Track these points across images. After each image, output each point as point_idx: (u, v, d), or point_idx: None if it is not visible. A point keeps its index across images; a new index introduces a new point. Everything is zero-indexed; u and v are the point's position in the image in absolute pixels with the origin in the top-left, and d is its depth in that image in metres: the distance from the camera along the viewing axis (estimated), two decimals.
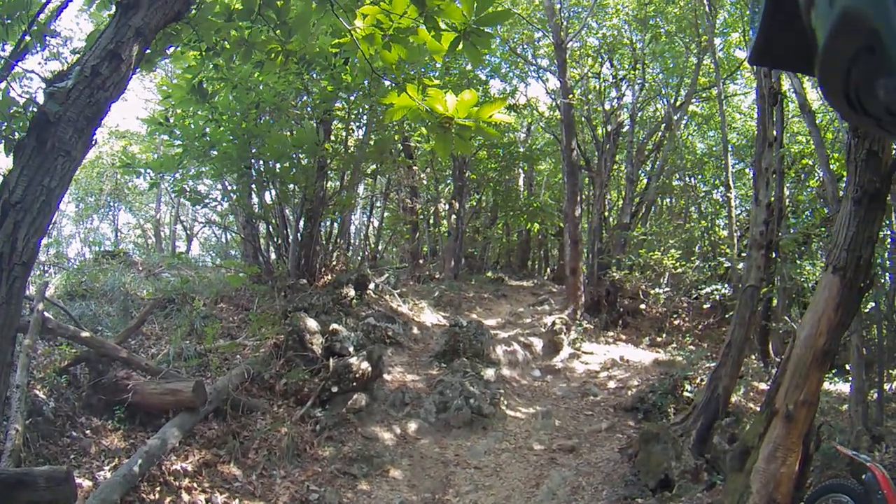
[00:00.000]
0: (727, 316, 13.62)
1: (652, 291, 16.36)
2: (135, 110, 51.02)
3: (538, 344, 13.33)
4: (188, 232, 25.71)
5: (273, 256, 13.75)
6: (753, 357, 11.87)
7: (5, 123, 4.76)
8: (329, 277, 13.02)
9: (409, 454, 8.86)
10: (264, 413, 8.81)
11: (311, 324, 9.89)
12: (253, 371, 9.28)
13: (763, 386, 11.14)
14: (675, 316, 15.78)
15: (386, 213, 19.71)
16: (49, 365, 8.51)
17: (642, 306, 16.40)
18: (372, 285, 13.27)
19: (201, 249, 24.56)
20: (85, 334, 8.70)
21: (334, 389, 9.23)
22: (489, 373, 11.07)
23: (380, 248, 19.73)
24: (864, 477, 5.56)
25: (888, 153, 6.07)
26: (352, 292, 12.07)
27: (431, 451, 9.01)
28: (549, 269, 24.51)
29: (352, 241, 16.53)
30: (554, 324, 13.65)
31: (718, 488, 7.16)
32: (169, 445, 7.30)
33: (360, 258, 17.18)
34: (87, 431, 7.53)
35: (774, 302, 12.93)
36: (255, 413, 8.76)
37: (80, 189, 21.64)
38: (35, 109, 4.54)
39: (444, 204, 20.49)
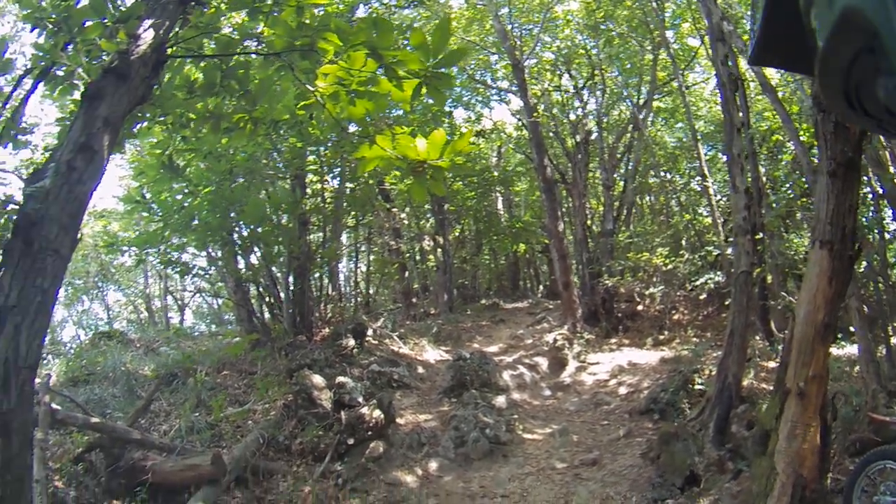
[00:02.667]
0: (725, 303, 13.60)
1: (647, 292, 16.39)
2: (110, 188, 50.97)
3: (543, 363, 13.37)
4: (179, 302, 25.68)
5: (267, 316, 13.73)
6: (758, 338, 11.92)
7: None
8: (327, 330, 13.02)
9: (435, 493, 8.80)
10: (285, 475, 8.76)
11: (318, 380, 9.89)
12: (267, 435, 9.24)
13: (772, 364, 11.20)
14: (673, 312, 15.81)
15: (372, 257, 19.69)
16: (63, 455, 8.51)
17: (639, 308, 16.44)
18: (370, 331, 13.26)
19: (195, 318, 24.52)
20: (95, 420, 8.68)
21: (350, 441, 9.19)
22: (500, 400, 11.05)
23: (371, 292, 19.69)
24: None
25: None
26: (351, 342, 12.05)
27: (456, 487, 8.96)
28: (541, 287, 24.53)
29: (343, 291, 16.53)
30: (555, 340, 13.70)
31: (745, 475, 7.16)
32: None
33: (353, 306, 17.17)
34: None
35: (769, 280, 12.99)
36: (276, 476, 8.72)
37: (67, 273, 21.44)
38: (14, 206, 4.58)
39: (428, 240, 20.55)
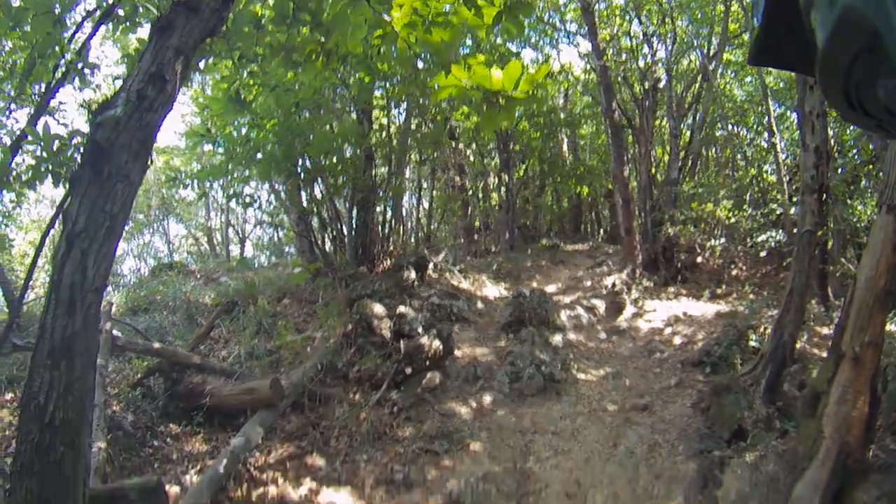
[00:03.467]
0: (785, 263, 13.54)
1: (707, 244, 16.17)
2: (172, 125, 51.65)
3: (601, 306, 13.33)
4: (240, 235, 26.01)
5: (329, 248, 13.89)
6: (814, 302, 11.70)
7: (47, 164, 4.90)
8: (388, 262, 13.15)
9: (487, 426, 8.95)
10: (341, 401, 9.02)
11: (378, 309, 10.05)
12: (325, 362, 9.49)
13: (825, 331, 11.08)
14: (732, 267, 15.59)
15: (435, 193, 19.70)
16: (122, 381, 8.87)
17: (699, 260, 16.21)
18: (431, 265, 13.38)
19: (255, 250, 24.82)
20: (156, 346, 9.00)
21: (408, 371, 9.37)
22: (556, 339, 11.09)
23: (433, 227, 19.73)
24: None
25: None
26: (413, 274, 12.18)
27: (508, 422, 9.08)
28: (602, 231, 24.26)
29: (405, 225, 16.57)
30: (614, 284, 13.63)
31: (791, 435, 7.16)
32: (252, 443, 7.54)
33: (415, 240, 17.26)
34: (168, 439, 7.84)
35: (830, 245, 12.73)
36: (332, 402, 8.98)
37: None
38: (79, 140, 4.69)
39: (493, 177, 20.47)
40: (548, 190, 23.54)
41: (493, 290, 14.24)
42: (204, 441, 7.94)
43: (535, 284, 13.84)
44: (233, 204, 22.44)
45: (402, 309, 10.26)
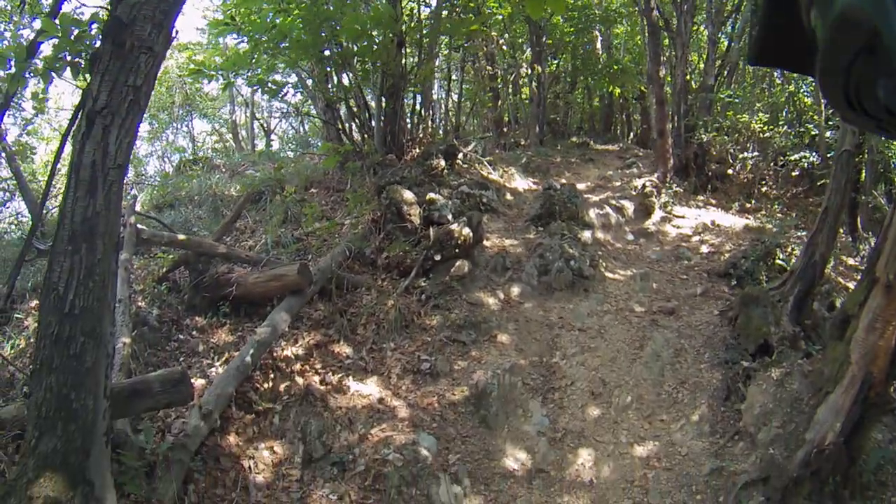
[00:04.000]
0: (818, 184, 13.33)
1: (740, 156, 15.84)
2: (193, 20, 51.05)
3: (629, 207, 13.13)
4: (265, 128, 25.77)
5: (357, 136, 13.64)
6: (841, 231, 11.52)
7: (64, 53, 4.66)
8: (416, 151, 12.91)
9: (515, 318, 8.93)
10: (369, 288, 8.94)
11: (408, 195, 9.83)
12: (354, 248, 9.39)
13: (851, 261, 11.17)
14: (762, 183, 15.31)
15: (464, 86, 19.31)
16: (147, 276, 8.83)
17: (729, 171, 15.92)
18: (461, 155, 13.16)
19: (281, 144, 24.58)
20: (181, 237, 8.87)
21: (437, 258, 9.27)
22: (586, 235, 10.95)
23: (462, 120, 19.44)
24: None
25: None
26: (442, 163, 11.93)
27: (536, 315, 9.07)
28: (631, 134, 23.87)
29: (434, 116, 16.26)
30: (644, 186, 13.39)
31: (816, 358, 7.10)
32: (279, 331, 7.45)
33: (444, 131, 16.98)
34: (194, 332, 7.81)
35: (863, 177, 12.48)
36: (360, 289, 8.90)
37: (151, 106, 21.57)
38: (98, 27, 4.46)
39: (526, 68, 19.99)
40: (579, 87, 23.08)
41: (522, 183, 14.04)
42: (230, 332, 7.90)
43: (563, 181, 13.58)
44: (258, 96, 22.34)
45: (431, 195, 10.03)
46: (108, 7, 4.19)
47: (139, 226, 8.78)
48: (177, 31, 4.32)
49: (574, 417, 7.34)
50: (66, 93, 27.27)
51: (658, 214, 13.12)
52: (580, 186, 13.32)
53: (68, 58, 4.62)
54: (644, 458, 6.79)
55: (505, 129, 20.09)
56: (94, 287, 4.09)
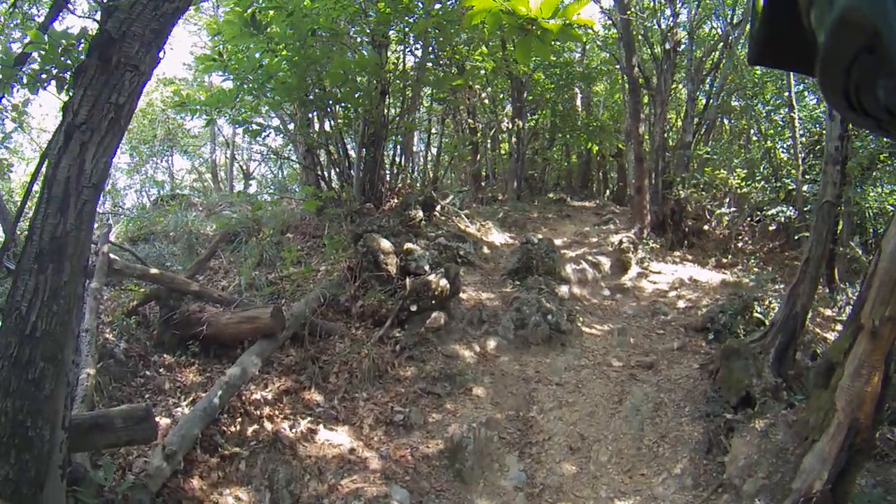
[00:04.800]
0: (795, 238, 13.57)
1: (717, 211, 15.98)
2: (180, 57, 51.22)
3: (606, 263, 13.12)
4: (245, 171, 25.72)
5: (336, 183, 13.60)
6: (819, 283, 11.68)
7: (51, 66, 4.59)
8: (395, 201, 12.88)
9: (491, 371, 8.83)
10: (342, 336, 8.78)
11: (385, 244, 9.76)
12: (328, 295, 9.23)
13: (829, 312, 11.11)
14: (738, 238, 15.44)
15: (444, 139, 19.41)
16: (117, 308, 8.52)
17: (706, 227, 16.05)
18: (438, 207, 13.13)
19: (258, 187, 24.52)
20: (154, 271, 8.67)
21: (413, 308, 9.15)
22: (563, 290, 10.93)
23: (440, 174, 19.50)
24: None
25: None
26: (420, 214, 11.90)
27: (512, 369, 8.97)
28: (607, 191, 24.10)
29: (413, 168, 16.29)
30: (621, 242, 13.42)
31: (800, 407, 7.02)
32: (249, 374, 7.25)
33: (422, 184, 17.00)
34: (161, 369, 7.57)
35: (840, 228, 12.59)
36: (334, 337, 8.73)
37: (133, 138, 21.70)
38: (87, 43, 4.39)
39: (507, 122, 20.14)
40: (557, 144, 23.27)
41: (499, 237, 14.07)
42: (198, 372, 7.69)
43: (540, 236, 13.61)
44: (239, 137, 22.32)
45: (409, 245, 9.98)
46: (98, 20, 4.10)
47: (112, 255, 8.60)
48: (164, 53, 4.25)
49: (552, 472, 7.18)
50: (49, 115, 27.04)
51: (634, 270, 13.15)
52: (557, 242, 13.33)
53: (55, 71, 4.53)
54: None
55: (482, 184, 20.22)
56: (59, 310, 3.91)
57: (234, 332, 7.95)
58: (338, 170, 13.41)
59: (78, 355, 6.84)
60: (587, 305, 11.40)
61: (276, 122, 14.91)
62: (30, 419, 3.85)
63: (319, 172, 13.68)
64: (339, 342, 8.69)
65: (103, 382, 6.73)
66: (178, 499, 5.70)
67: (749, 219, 15.80)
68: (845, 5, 0.81)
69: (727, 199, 16.39)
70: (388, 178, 13.59)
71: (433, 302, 9.24)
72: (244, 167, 26.00)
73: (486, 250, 12.79)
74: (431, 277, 9.32)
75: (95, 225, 5.67)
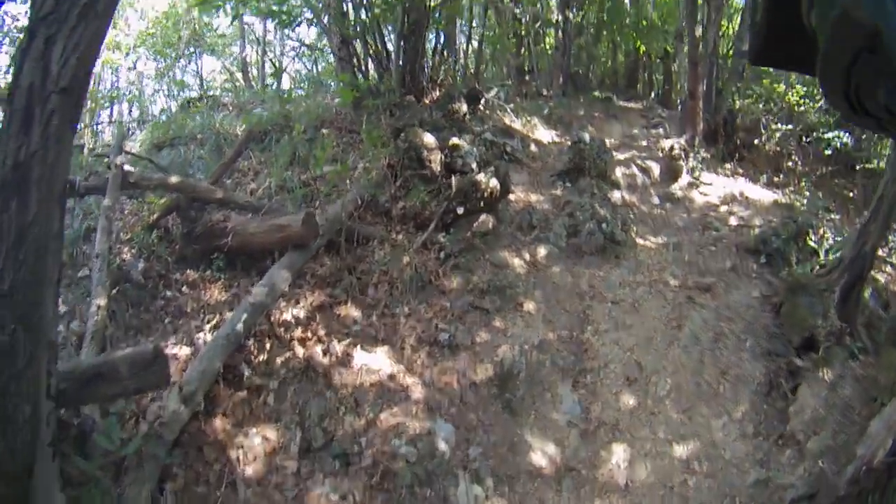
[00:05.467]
0: (854, 168, 13.20)
1: (772, 126, 15.06)
2: None
3: (656, 169, 12.49)
4: (277, 67, 24.86)
5: (373, 75, 12.75)
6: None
7: None
8: (437, 93, 12.10)
9: (542, 284, 8.25)
10: (382, 242, 8.16)
11: (428, 139, 8.99)
12: (367, 195, 8.56)
13: (881, 252, 10.42)
14: (790, 157, 14.58)
15: (485, 31, 18.47)
16: (137, 223, 7.90)
17: (756, 141, 15.17)
18: (483, 100, 12.39)
19: (292, 84, 23.74)
20: (173, 179, 7.88)
21: (459, 210, 8.51)
22: (616, 195, 10.34)
23: (482, 68, 18.64)
24: None
25: None
26: (464, 107, 11.12)
27: (564, 281, 8.40)
28: (653, 94, 23.16)
29: (455, 61, 15.41)
30: (672, 148, 12.59)
31: (868, 361, 6.70)
32: (278, 291, 6.63)
33: (464, 74, 16.15)
34: (183, 288, 7.04)
35: None
36: (372, 243, 8.12)
37: (157, 43, 21.20)
38: None
39: (556, 13, 19.12)
40: (604, 41, 22.28)
41: (546, 134, 13.30)
42: (224, 289, 7.14)
43: (586, 135, 12.88)
44: (270, 35, 21.41)
45: (455, 140, 9.21)
46: None
47: (127, 167, 7.85)
48: None
49: (608, 406, 6.76)
50: None
51: (685, 179, 12.47)
52: (605, 142, 12.57)
53: None
54: (683, 461, 6.26)
55: (526, 78, 19.27)
56: (29, 256, 3.17)
57: (262, 241, 7.35)
58: (376, 61, 12.50)
59: (90, 282, 6.33)
60: (638, 214, 10.79)
61: (307, 14, 14.01)
62: (3, 398, 3.15)
63: (356, 64, 12.78)
64: (378, 248, 8.08)
65: (119, 309, 6.31)
66: (198, 445, 5.25)
67: (803, 137, 14.86)
68: (846, 5, 0.81)
69: (782, 115, 15.44)
70: (429, 70, 12.72)
71: (481, 204, 8.60)
72: (276, 63, 25.09)
73: (533, 148, 12.06)
74: (480, 176, 8.64)
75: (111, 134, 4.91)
